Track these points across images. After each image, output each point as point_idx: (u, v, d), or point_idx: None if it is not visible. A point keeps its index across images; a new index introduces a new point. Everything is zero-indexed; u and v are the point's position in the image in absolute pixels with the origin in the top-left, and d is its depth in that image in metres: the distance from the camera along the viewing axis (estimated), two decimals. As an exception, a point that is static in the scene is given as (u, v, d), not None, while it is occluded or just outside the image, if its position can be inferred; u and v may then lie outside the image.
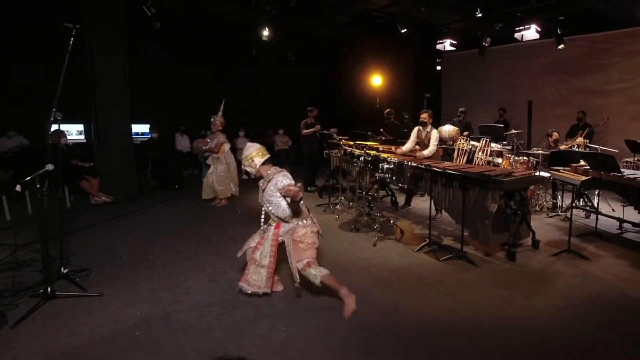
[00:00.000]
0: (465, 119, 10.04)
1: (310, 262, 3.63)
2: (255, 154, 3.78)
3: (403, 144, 7.17)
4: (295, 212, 3.72)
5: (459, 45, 11.40)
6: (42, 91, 6.70)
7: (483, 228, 5.12)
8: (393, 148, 7.21)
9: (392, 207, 7.66)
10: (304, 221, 3.78)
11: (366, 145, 7.40)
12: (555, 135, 7.74)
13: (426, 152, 6.66)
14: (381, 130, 9.54)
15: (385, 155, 6.52)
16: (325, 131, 8.54)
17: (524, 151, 8.32)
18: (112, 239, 5.72)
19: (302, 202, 3.63)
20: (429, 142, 6.72)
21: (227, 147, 7.74)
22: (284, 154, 11.93)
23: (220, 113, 7.59)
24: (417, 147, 6.90)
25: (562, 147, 7.61)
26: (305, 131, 8.59)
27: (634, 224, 6.03)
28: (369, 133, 9.49)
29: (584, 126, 8.69)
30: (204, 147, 7.83)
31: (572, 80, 10.42)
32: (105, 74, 7.98)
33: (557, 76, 10.71)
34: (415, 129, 6.95)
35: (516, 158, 7.39)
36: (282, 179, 3.62)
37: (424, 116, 6.80)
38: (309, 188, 8.80)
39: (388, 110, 9.96)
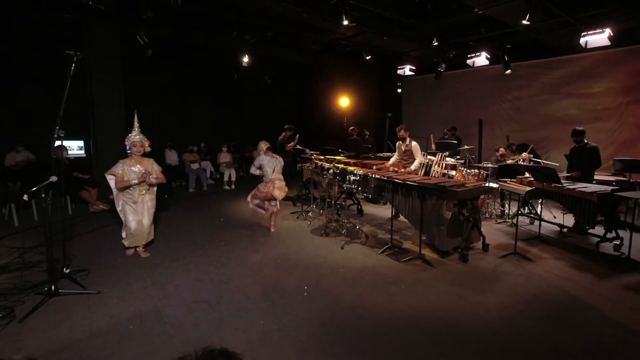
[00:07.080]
0: (455, 135, 10.11)
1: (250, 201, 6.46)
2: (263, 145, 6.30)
3: (365, 158, 7.23)
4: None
5: (417, 70, 11.52)
6: (46, 111, 6.71)
7: (439, 233, 5.20)
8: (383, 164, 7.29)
9: (358, 214, 7.67)
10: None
11: (335, 159, 7.50)
12: (501, 150, 7.87)
13: (412, 167, 6.74)
14: (339, 150, 9.46)
15: (352, 168, 6.58)
16: (298, 146, 8.51)
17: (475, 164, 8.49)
18: (109, 243, 5.70)
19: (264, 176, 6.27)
20: (411, 155, 6.80)
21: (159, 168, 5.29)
22: None
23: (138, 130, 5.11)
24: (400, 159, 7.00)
25: (509, 161, 7.68)
26: (289, 145, 8.63)
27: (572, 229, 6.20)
28: (340, 150, 9.53)
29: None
30: (151, 179, 5.03)
31: (517, 102, 10.67)
32: (103, 95, 8.06)
33: (505, 98, 10.95)
34: (397, 144, 7.04)
35: (468, 171, 7.47)
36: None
37: (401, 133, 6.93)
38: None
39: (352, 128, 10.03)
